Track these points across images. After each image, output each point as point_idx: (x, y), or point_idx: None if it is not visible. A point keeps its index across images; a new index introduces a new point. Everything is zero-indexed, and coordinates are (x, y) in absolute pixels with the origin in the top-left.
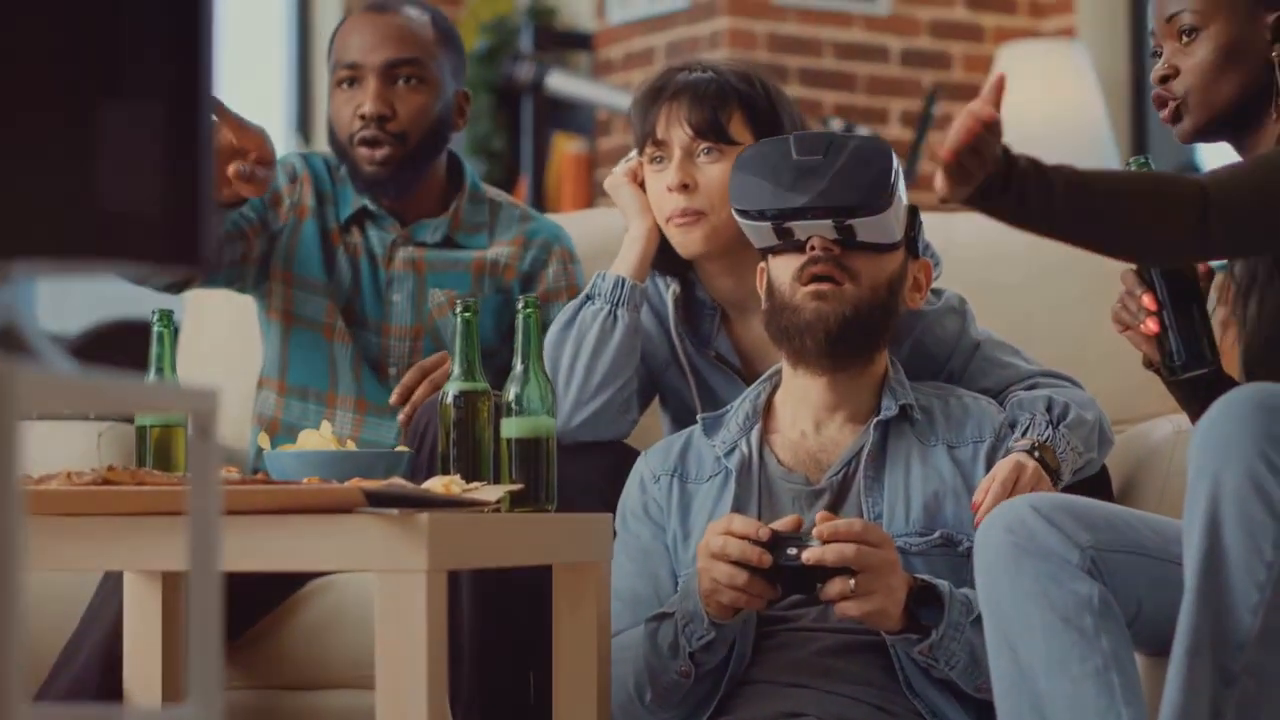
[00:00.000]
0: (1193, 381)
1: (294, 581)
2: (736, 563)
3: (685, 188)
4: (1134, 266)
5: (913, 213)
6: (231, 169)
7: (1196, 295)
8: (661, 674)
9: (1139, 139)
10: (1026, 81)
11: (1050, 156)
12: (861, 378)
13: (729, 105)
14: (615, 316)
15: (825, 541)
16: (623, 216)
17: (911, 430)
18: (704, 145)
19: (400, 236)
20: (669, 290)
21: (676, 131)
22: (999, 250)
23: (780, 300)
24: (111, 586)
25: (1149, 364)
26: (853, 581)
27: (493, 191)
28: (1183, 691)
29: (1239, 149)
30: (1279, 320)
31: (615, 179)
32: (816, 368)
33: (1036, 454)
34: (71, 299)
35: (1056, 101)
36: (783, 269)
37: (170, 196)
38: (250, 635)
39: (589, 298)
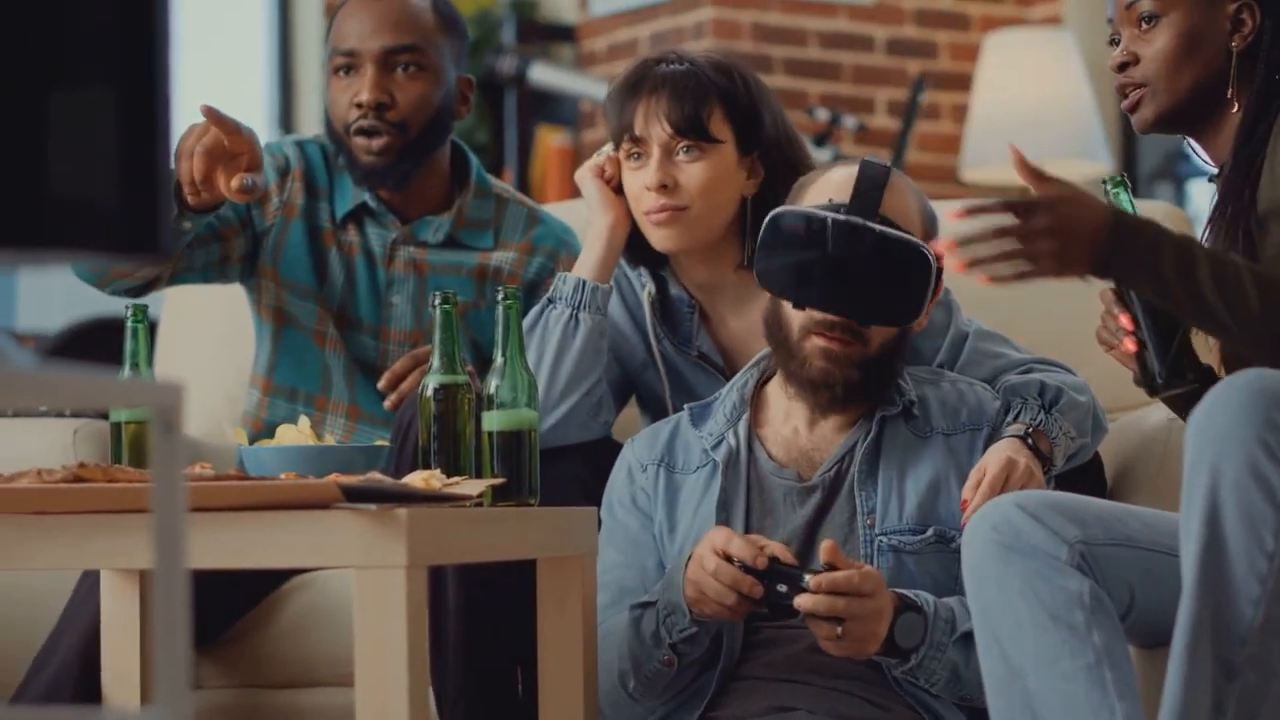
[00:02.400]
0: (1179, 398)
1: (274, 579)
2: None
3: (664, 188)
4: (1111, 285)
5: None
6: (235, 182)
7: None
8: (645, 662)
9: (1128, 128)
10: (1013, 70)
11: (1038, 145)
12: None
13: (708, 101)
14: (577, 320)
15: (820, 591)
16: (588, 211)
17: (907, 425)
18: (684, 143)
19: (401, 235)
20: (644, 291)
21: (655, 129)
22: None
23: (785, 337)
24: (90, 586)
25: (1138, 381)
26: (840, 630)
27: (499, 186)
28: (1183, 686)
29: (1199, 140)
30: None
31: (582, 172)
32: (823, 410)
33: (1030, 440)
34: (52, 297)
35: (1043, 90)
36: (791, 309)
37: (126, 185)
38: (231, 634)
39: (550, 301)
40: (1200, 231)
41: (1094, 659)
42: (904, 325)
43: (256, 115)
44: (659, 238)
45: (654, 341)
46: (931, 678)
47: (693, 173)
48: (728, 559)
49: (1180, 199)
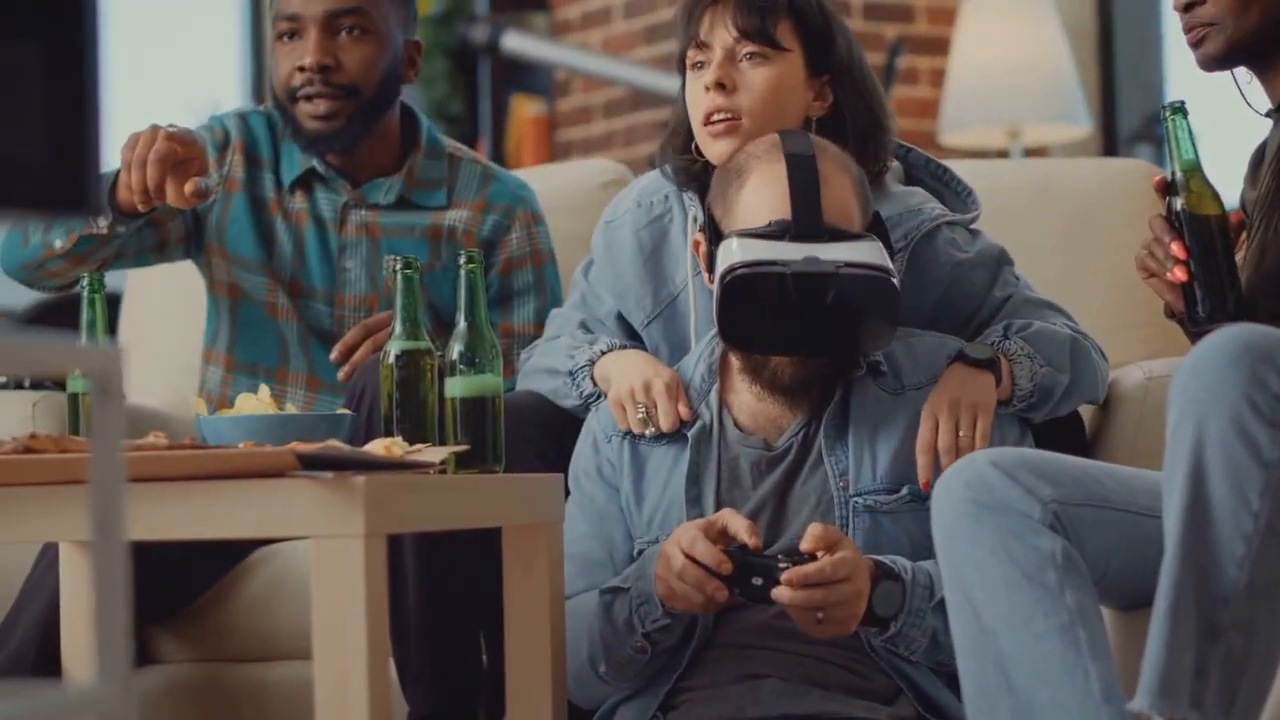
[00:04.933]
0: None
1: (238, 552)
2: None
3: (722, 87)
4: (1162, 211)
5: (880, 231)
6: (189, 186)
7: (1226, 246)
8: (617, 649)
9: (1107, 89)
10: (991, 32)
11: (1016, 109)
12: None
13: (777, 10)
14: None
15: (794, 587)
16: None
17: (875, 381)
18: (748, 49)
19: (352, 199)
20: (689, 216)
21: (720, 33)
22: None
23: (751, 357)
24: (49, 560)
25: (1171, 313)
26: (820, 614)
27: (452, 145)
28: (1166, 648)
29: (1261, 74)
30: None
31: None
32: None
33: (980, 362)
34: None
35: (1022, 54)
36: None
37: (54, 141)
38: (194, 607)
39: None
40: (1258, 170)
41: (1067, 619)
42: (887, 345)
43: (229, 80)
44: (713, 149)
45: (690, 273)
46: (911, 645)
47: (754, 78)
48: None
49: (1160, 160)
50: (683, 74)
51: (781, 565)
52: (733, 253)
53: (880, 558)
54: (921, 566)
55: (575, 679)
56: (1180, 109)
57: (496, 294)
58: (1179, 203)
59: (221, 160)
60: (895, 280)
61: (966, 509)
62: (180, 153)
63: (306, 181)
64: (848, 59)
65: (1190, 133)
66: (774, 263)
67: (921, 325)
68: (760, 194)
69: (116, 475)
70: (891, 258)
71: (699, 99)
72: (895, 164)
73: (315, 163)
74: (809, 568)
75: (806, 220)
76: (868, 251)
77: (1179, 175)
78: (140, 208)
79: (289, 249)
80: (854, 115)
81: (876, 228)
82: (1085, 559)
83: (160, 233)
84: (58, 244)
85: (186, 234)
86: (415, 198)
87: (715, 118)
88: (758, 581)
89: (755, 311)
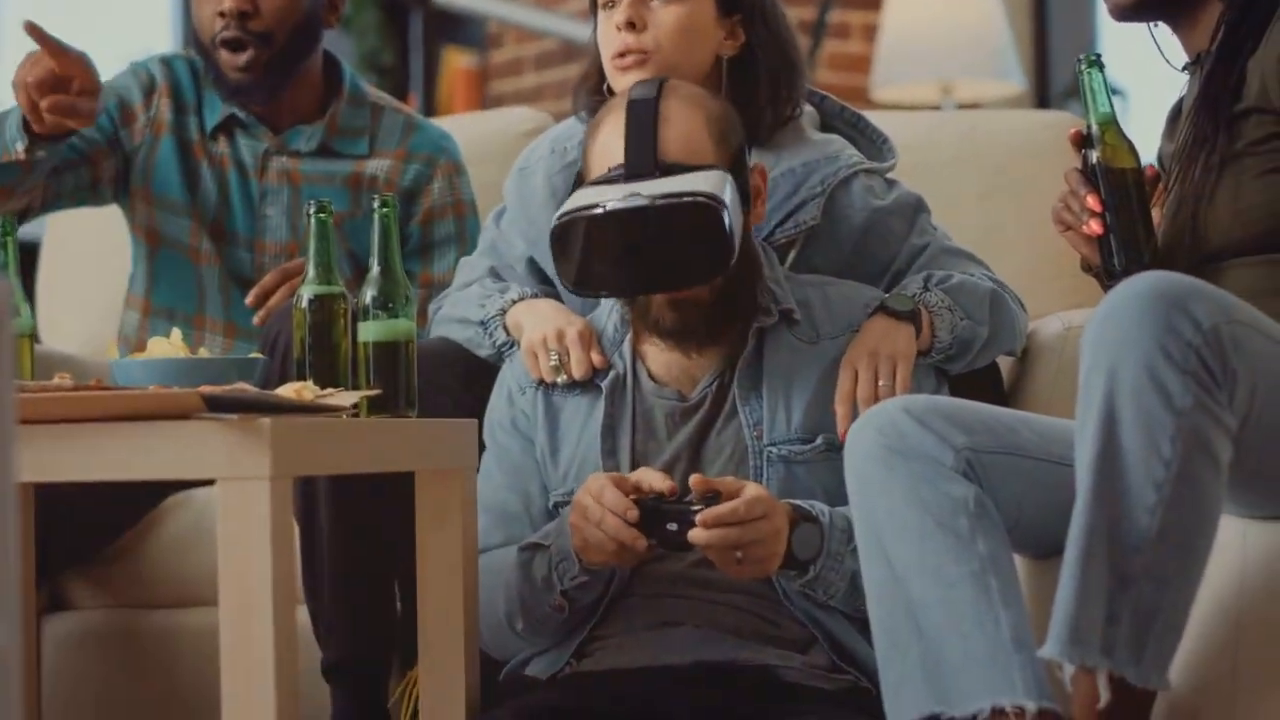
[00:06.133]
0: None
1: (150, 497)
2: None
3: (632, 26)
4: (1079, 165)
5: (735, 171)
6: (46, 102)
7: (1142, 198)
8: (535, 606)
9: (1040, 45)
10: None
11: (949, 65)
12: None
13: None
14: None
15: (709, 527)
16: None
17: (790, 330)
18: None
19: (273, 145)
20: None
21: None
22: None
23: (632, 301)
24: None
25: (1087, 267)
26: (739, 554)
27: (375, 94)
28: (1076, 596)
29: (1175, 28)
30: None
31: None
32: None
33: (898, 313)
34: None
35: (954, 9)
36: None
37: None
38: (108, 553)
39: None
40: (1175, 124)
41: (979, 566)
42: (717, 276)
43: (161, 26)
44: (624, 84)
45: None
46: (830, 589)
47: (664, 16)
48: None
49: None
50: (595, 14)
51: (695, 508)
52: (565, 203)
53: (798, 501)
54: (840, 511)
55: (491, 634)
56: (1096, 62)
57: (417, 244)
58: (1094, 155)
59: (148, 104)
60: (720, 204)
61: (879, 455)
62: (59, 70)
63: (228, 127)
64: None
65: (1106, 85)
66: (589, 206)
67: (837, 273)
68: (605, 143)
69: (6, 412)
70: (745, 190)
71: (610, 38)
72: (811, 110)
73: (236, 109)
74: (722, 507)
75: (638, 159)
76: (699, 182)
77: (1094, 128)
78: (36, 128)
79: (214, 193)
80: (766, 55)
81: (738, 162)
82: (998, 507)
83: (94, 171)
84: None
85: (117, 174)
86: (337, 145)
87: (626, 57)
88: (673, 527)
89: (590, 256)
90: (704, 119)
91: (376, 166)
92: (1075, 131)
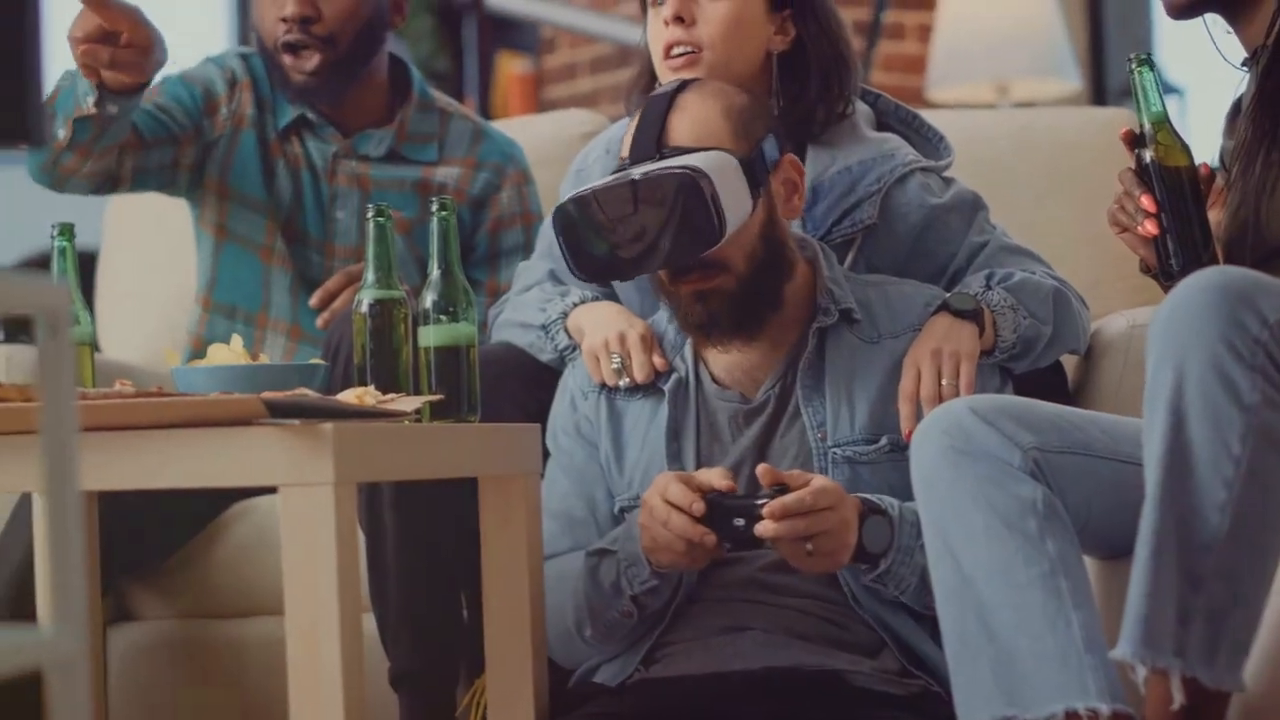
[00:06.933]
0: None
1: (215, 506)
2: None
3: (680, 21)
4: (1132, 165)
5: (756, 154)
6: (79, 52)
7: (1197, 197)
8: (603, 612)
9: (1096, 44)
10: None
11: (1004, 64)
12: (785, 306)
13: None
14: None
15: (776, 519)
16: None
17: (851, 330)
18: None
19: (342, 149)
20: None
21: None
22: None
23: (663, 295)
24: (27, 510)
25: (1145, 268)
26: (810, 546)
27: (443, 100)
28: (1147, 596)
29: (1233, 21)
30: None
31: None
32: (740, 346)
33: (962, 313)
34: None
35: (1009, 8)
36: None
37: None
38: (171, 563)
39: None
40: (1235, 121)
41: (1048, 567)
42: (715, 243)
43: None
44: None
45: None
46: (901, 584)
47: (713, 11)
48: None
49: None
50: (645, 13)
51: (760, 501)
52: None
53: (866, 495)
54: (909, 505)
55: (559, 642)
56: (1147, 61)
57: (485, 253)
58: (1148, 155)
59: (231, 96)
60: (699, 175)
61: (945, 456)
62: (107, 25)
63: (297, 128)
64: None
65: (1158, 84)
66: (585, 190)
67: (896, 272)
68: (625, 139)
69: (68, 418)
70: (759, 177)
71: (659, 33)
72: (866, 109)
73: (306, 110)
74: (789, 497)
75: (642, 145)
76: (691, 160)
77: (1147, 127)
78: (96, 83)
79: (288, 193)
80: (817, 50)
81: (756, 152)
82: (1066, 507)
83: (177, 152)
84: (61, 134)
85: (194, 163)
86: (406, 151)
87: (675, 51)
88: (740, 523)
89: (587, 239)
90: (722, 108)
91: (446, 174)
92: (1127, 131)
